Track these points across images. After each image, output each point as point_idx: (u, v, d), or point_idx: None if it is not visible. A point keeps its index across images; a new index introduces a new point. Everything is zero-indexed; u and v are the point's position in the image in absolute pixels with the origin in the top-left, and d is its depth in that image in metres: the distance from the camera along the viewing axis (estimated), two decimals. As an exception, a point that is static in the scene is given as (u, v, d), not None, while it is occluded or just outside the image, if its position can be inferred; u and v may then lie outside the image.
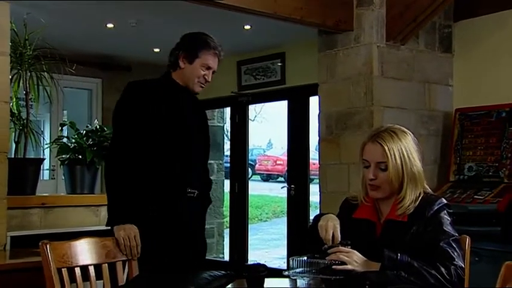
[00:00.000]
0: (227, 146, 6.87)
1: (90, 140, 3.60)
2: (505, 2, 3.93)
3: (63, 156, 3.60)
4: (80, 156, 3.55)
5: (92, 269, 2.01)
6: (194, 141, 2.50)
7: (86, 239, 2.05)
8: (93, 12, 4.55)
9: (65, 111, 6.08)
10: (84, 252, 2.02)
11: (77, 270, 1.97)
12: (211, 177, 7.71)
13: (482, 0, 4.07)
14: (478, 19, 4.09)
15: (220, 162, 6.88)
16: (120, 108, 2.41)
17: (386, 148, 1.82)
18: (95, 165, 3.61)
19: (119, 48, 5.80)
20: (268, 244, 8.20)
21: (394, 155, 1.81)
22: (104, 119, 6.08)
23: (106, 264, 2.06)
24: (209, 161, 8.20)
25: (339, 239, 1.83)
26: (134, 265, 2.16)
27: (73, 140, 3.63)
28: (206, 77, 2.50)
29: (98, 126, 3.73)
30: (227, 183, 6.42)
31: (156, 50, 5.80)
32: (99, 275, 2.03)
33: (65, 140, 3.75)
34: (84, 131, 3.65)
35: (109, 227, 2.27)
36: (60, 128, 4.11)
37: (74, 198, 3.49)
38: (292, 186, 5.68)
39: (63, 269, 1.91)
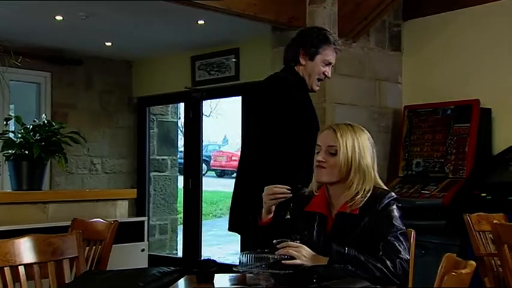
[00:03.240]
0: (181, 142, 6.81)
1: (38, 135, 3.49)
2: (452, 2, 4.06)
3: (9, 151, 3.48)
4: (27, 152, 3.44)
5: (36, 268, 1.95)
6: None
7: (30, 237, 1.98)
8: (40, 4, 4.40)
9: (11, 105, 5.86)
10: (29, 250, 1.95)
11: (21, 269, 1.91)
12: (165, 173, 7.51)
13: (430, 0, 4.19)
14: (426, 18, 4.21)
15: (174, 158, 6.82)
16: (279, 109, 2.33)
17: (339, 134, 1.87)
18: (43, 161, 3.51)
19: (69, 41, 5.64)
20: (222, 240, 8.18)
21: (346, 141, 1.86)
22: (54, 114, 5.91)
23: (52, 262, 2.00)
24: (163, 157, 7.96)
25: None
26: (82, 262, 2.11)
27: (19, 135, 3.51)
28: (326, 73, 2.45)
29: (45, 121, 3.62)
30: (181, 179, 6.36)
31: (108, 44, 5.67)
32: (45, 274, 1.97)
33: (10, 134, 3.62)
34: (31, 126, 3.53)
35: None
36: (5, 123, 3.95)
37: (20, 195, 3.37)
38: (246, 182, 5.68)
39: (5, 268, 1.85)
